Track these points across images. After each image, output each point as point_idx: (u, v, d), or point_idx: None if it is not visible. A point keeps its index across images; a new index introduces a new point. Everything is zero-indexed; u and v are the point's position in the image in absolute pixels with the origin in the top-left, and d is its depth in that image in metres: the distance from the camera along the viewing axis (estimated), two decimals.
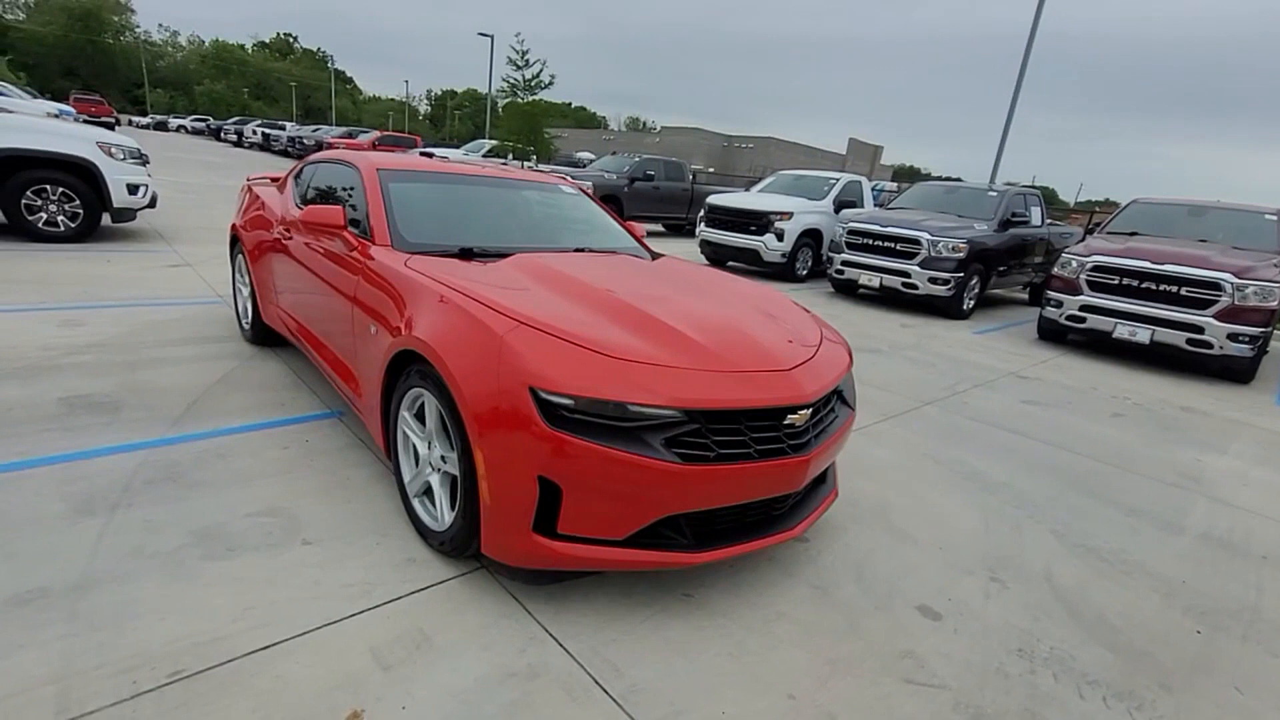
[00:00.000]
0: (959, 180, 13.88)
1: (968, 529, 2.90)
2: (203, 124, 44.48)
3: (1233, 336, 5.96)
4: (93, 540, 2.15)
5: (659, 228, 15.29)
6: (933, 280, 7.74)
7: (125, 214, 6.82)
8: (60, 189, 6.39)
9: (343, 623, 1.92)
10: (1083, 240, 8.06)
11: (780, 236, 9.45)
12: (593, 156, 21.35)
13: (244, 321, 4.39)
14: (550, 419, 1.84)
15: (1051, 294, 7.08)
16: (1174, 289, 6.23)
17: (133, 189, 6.70)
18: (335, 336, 3.01)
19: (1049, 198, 38.11)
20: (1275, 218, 7.17)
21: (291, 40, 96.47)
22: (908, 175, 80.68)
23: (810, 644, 2.06)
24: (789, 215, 9.48)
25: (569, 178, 5.83)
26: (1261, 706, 2.01)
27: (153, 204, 7.09)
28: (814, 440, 2.19)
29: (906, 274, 7.91)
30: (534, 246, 3.09)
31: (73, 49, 63.40)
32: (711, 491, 1.97)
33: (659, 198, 14.27)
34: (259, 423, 3.17)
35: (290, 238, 3.53)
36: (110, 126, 23.84)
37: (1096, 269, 6.70)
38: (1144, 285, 6.41)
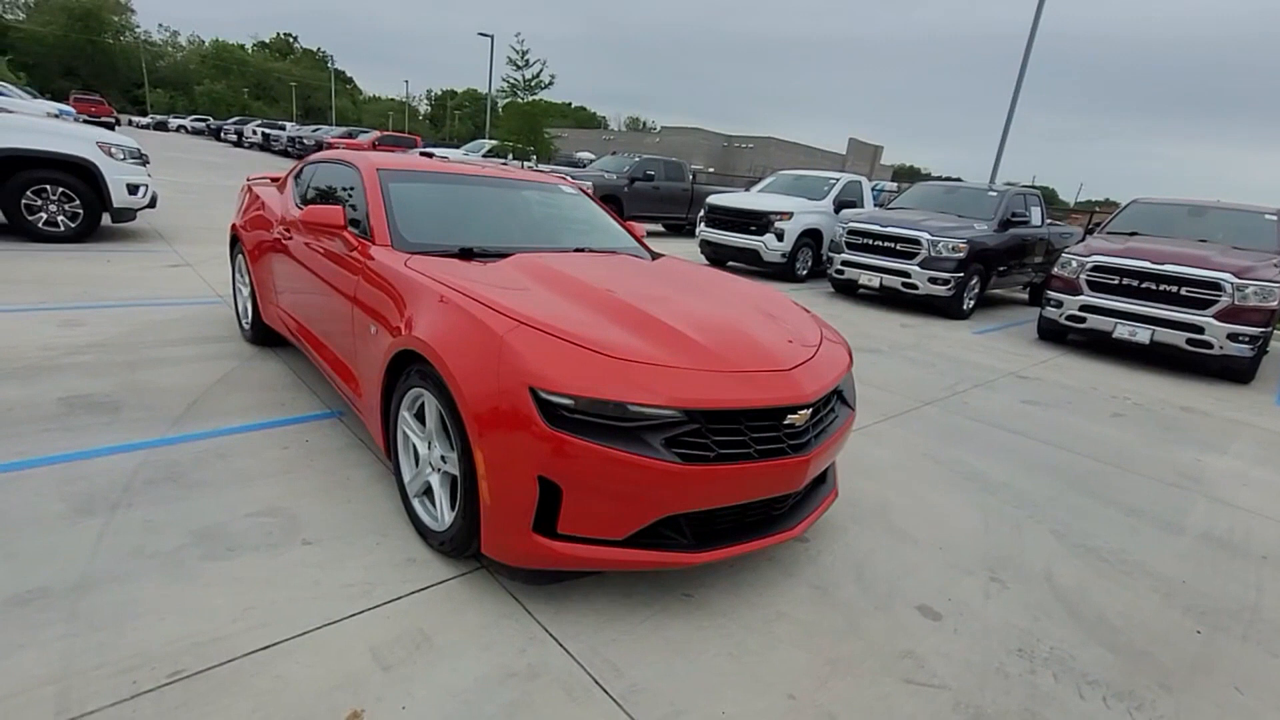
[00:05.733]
0: (959, 180, 13.87)
1: (968, 529, 2.90)
2: (203, 124, 44.47)
3: (1233, 336, 5.96)
4: (93, 540, 2.15)
5: (659, 228, 15.29)
6: (933, 280, 7.74)
7: (125, 214, 6.82)
8: (60, 189, 6.39)
9: (343, 623, 1.92)
10: (1083, 240, 8.07)
11: (780, 236, 9.45)
12: (593, 156, 21.35)
13: (244, 321, 4.39)
14: (550, 419, 1.84)
15: (1051, 294, 7.08)
16: (1174, 289, 6.23)
17: (133, 189, 6.70)
18: (335, 336, 3.01)
19: (1049, 198, 38.12)
20: (1275, 218, 7.17)
21: (291, 40, 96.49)
22: (908, 175, 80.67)
23: (810, 644, 2.06)
24: (789, 215, 9.48)
25: (569, 178, 5.83)
26: (1261, 706, 2.01)
27: (153, 204, 7.09)
28: (814, 440, 2.19)
29: (906, 274, 7.91)
30: (534, 246, 3.09)
31: (73, 49, 63.39)
32: (711, 491, 1.97)
33: (659, 198, 14.27)
34: (259, 423, 3.17)
35: (290, 238, 3.53)
36: (110, 126, 23.84)
37: (1096, 269, 6.70)
38: (1144, 285, 6.41)
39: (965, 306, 8.13)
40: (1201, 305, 6.09)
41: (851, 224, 8.50)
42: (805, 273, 10.02)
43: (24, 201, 6.25)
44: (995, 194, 8.92)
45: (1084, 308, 6.74)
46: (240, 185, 4.84)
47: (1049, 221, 9.89)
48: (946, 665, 2.03)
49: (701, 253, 10.63)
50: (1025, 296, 10.56)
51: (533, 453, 1.85)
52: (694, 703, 1.78)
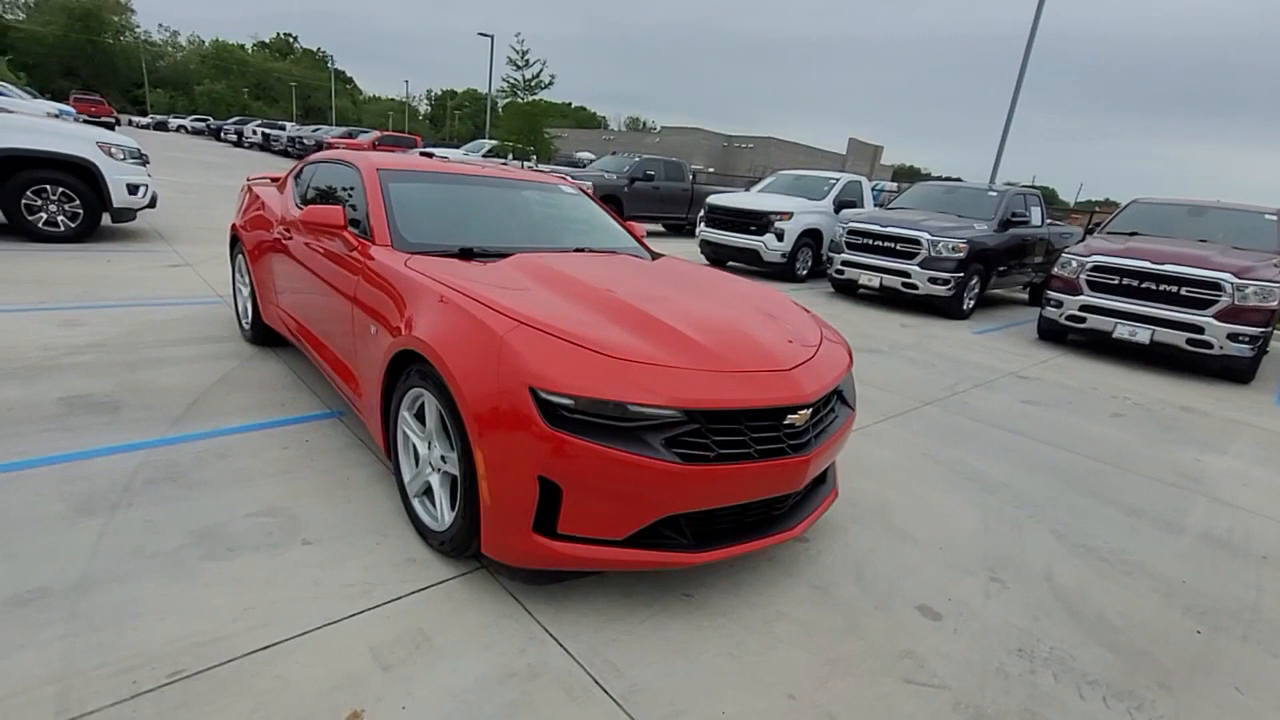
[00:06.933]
0: (959, 180, 13.88)
1: (968, 529, 2.90)
2: (203, 124, 44.47)
3: (1233, 336, 5.96)
4: (93, 540, 2.15)
5: (659, 228, 15.29)
6: (933, 280, 7.74)
7: (125, 214, 6.82)
8: (60, 189, 6.39)
9: (343, 623, 1.92)
10: (1083, 240, 8.07)
11: (780, 236, 9.45)
12: (593, 156, 21.35)
13: (244, 321, 4.39)
14: (550, 419, 1.84)
15: (1051, 294, 7.08)
16: (1174, 289, 6.23)
17: (133, 189, 6.70)
18: (335, 336, 3.01)
19: (1049, 198, 38.12)
20: (1275, 218, 7.17)
21: (291, 40, 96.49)
22: (908, 175, 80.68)
23: (810, 644, 2.06)
24: (789, 215, 9.48)
25: (569, 178, 5.83)
26: (1261, 706, 2.01)
27: (153, 204, 7.09)
28: (814, 440, 2.19)
29: (906, 274, 7.91)
30: (534, 246, 3.09)
31: (73, 49, 63.39)
32: (711, 491, 1.97)
33: (659, 198, 14.27)
34: (259, 423, 3.17)
35: (290, 238, 3.53)
36: (110, 126, 23.84)
37: (1096, 269, 6.70)
38: (1144, 285, 6.41)
39: (965, 306, 8.13)
40: (1201, 305, 6.09)
41: (851, 224, 8.50)
42: (805, 273, 10.02)
43: (24, 201, 6.25)
44: (995, 194, 8.92)
45: (1084, 308, 6.74)
46: (240, 185, 4.84)
47: (1049, 221, 9.89)
48: (946, 665, 2.03)
49: (701, 253, 10.63)
50: (1025, 296, 10.56)
51: (533, 453, 1.85)
52: (694, 703, 1.78)
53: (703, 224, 10.48)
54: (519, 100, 24.16)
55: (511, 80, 24.02)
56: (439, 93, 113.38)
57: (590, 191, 5.59)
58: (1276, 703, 2.03)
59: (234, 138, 36.00)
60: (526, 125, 23.41)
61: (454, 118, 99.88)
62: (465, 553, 2.16)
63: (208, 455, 2.80)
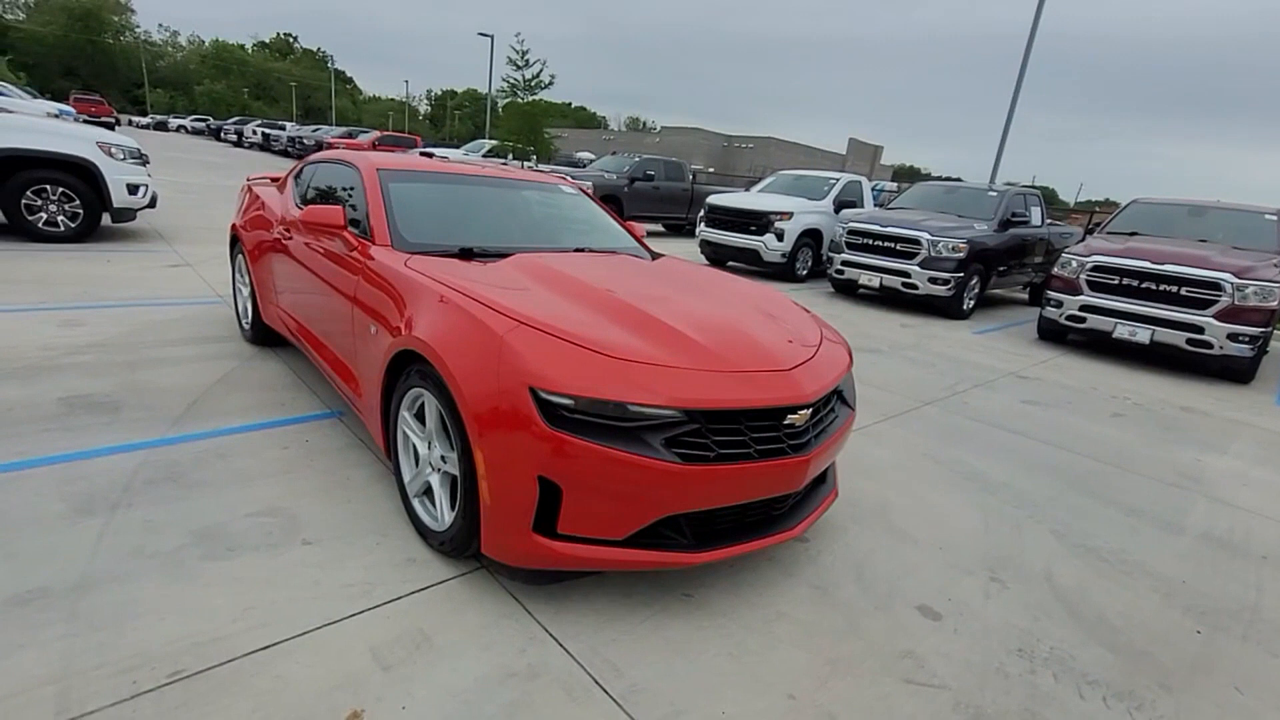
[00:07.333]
0: (959, 180, 13.88)
1: (968, 529, 2.90)
2: (203, 124, 44.48)
3: (1233, 336, 5.96)
4: (93, 540, 2.15)
5: (659, 228, 15.29)
6: (933, 280, 7.74)
7: (125, 214, 6.82)
8: (60, 189, 6.39)
9: (343, 623, 1.92)
10: (1083, 240, 8.07)
11: (780, 236, 9.45)
12: (593, 156, 21.36)
13: (244, 321, 4.39)
14: (550, 419, 1.84)
15: (1051, 294, 7.08)
16: (1174, 289, 6.23)
17: (133, 189, 6.70)
18: (335, 336, 3.01)
19: (1049, 198, 38.12)
20: (1275, 218, 7.17)
21: (291, 40, 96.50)
22: (908, 175, 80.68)
23: (810, 644, 2.06)
24: (789, 215, 9.48)
25: (569, 178, 5.83)
26: (1261, 706, 2.01)
27: (153, 204, 7.09)
28: (814, 440, 2.19)
29: (906, 274, 7.91)
30: (534, 246, 3.09)
31: (73, 49, 63.41)
32: (711, 491, 1.97)
33: (659, 198, 14.27)
34: (259, 423, 3.17)
35: (290, 238, 3.53)
36: (110, 126, 23.84)
37: (1096, 269, 6.70)
38: (1144, 285, 6.41)
39: (965, 306, 8.13)
40: (1201, 305, 6.09)
41: (851, 224, 8.50)
42: (805, 273, 10.02)
43: (24, 201, 6.25)
44: (995, 194, 8.92)
45: (1084, 308, 6.74)
46: (240, 185, 4.84)
47: (1049, 221, 9.89)
48: (946, 665, 2.03)
49: (701, 253, 10.63)
50: (1025, 296, 10.56)
51: (533, 453, 1.85)
52: (694, 703, 1.78)
53: (703, 224, 10.48)
54: (519, 100, 24.16)
55: (511, 80, 24.03)
56: (439, 93, 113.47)
57: (590, 191, 5.59)
58: (1276, 703, 2.03)
59: (234, 138, 35.99)
60: (526, 125, 23.41)
61: (454, 118, 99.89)
62: (465, 553, 2.16)
63: (208, 455, 2.80)
